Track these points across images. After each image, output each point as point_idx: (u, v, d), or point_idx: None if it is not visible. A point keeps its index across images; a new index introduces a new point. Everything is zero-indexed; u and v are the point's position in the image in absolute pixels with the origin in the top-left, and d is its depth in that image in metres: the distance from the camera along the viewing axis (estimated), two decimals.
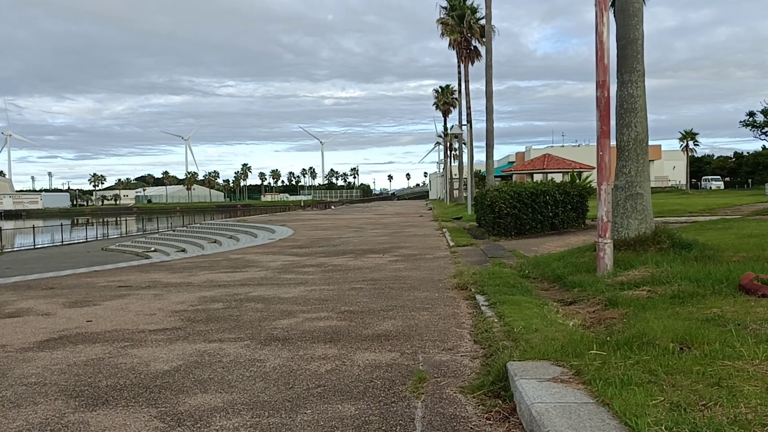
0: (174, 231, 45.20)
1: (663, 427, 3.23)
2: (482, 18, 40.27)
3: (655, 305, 7.06)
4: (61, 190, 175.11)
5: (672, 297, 7.38)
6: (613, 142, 10.22)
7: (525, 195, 20.39)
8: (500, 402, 4.56)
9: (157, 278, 12.53)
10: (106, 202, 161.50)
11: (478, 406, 4.59)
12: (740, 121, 24.84)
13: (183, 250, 30.60)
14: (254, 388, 5.16)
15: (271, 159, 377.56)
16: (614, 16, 11.31)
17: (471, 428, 4.19)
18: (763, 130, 24.18)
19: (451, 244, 18.43)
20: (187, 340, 6.94)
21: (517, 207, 20.05)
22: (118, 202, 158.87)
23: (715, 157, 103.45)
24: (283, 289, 10.62)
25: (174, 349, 6.57)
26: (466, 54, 46.85)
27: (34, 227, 45.71)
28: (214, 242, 31.51)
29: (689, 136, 67.93)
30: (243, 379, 5.42)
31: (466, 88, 48.42)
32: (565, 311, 7.69)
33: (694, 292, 7.47)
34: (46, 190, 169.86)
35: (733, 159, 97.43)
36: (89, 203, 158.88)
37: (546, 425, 3.50)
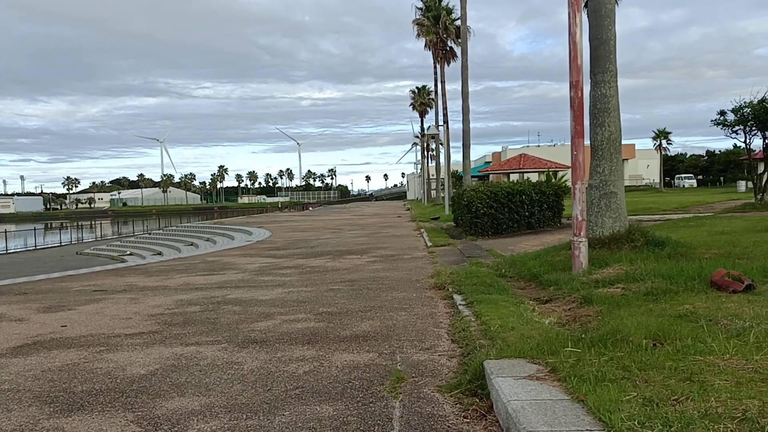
0: (150, 234, 44.80)
1: (636, 422, 3.28)
2: (458, 19, 40.44)
3: (629, 302, 7.15)
4: (34, 194, 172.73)
5: (646, 294, 7.49)
6: (587, 142, 10.35)
7: (501, 194, 20.52)
8: (477, 400, 4.60)
9: (133, 282, 12.42)
10: (80, 205, 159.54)
11: (456, 404, 4.63)
12: (711, 120, 25.17)
13: (159, 253, 30.33)
14: (232, 390, 5.15)
15: (248, 161, 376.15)
16: (587, 16, 11.44)
17: (448, 427, 4.22)
18: (734, 129, 24.53)
19: (429, 244, 18.50)
20: (163, 344, 6.89)
21: (494, 207, 20.17)
22: (92, 206, 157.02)
23: (688, 156, 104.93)
24: (260, 291, 10.59)
25: (150, 353, 6.52)
26: (442, 55, 47.01)
27: (6, 232, 45.00)
28: (191, 245, 31.28)
29: (662, 135, 68.84)
30: (220, 382, 5.41)
31: (443, 88, 48.61)
32: (541, 309, 7.76)
33: (667, 288, 7.59)
34: (18, 194, 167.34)
35: (706, 157, 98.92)
36: (63, 207, 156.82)
37: (522, 422, 3.54)
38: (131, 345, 6.89)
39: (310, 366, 5.82)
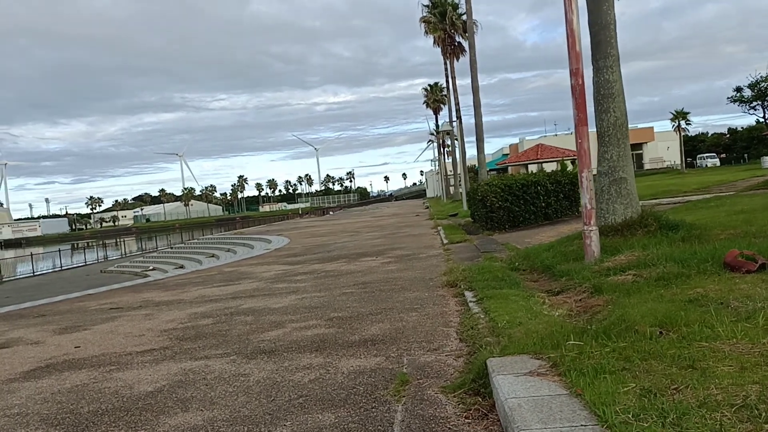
0: (172, 248, 45.19)
1: (630, 415, 3.20)
2: (464, 14, 40.23)
3: (640, 289, 7.02)
4: (59, 216, 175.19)
5: (657, 279, 7.35)
6: (592, 129, 10.20)
7: (516, 187, 20.36)
8: (480, 399, 4.53)
9: (150, 297, 12.50)
10: (104, 224, 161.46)
11: (458, 405, 4.56)
12: (728, 97, 24.94)
13: (181, 267, 30.55)
14: (236, 403, 5.13)
15: (267, 169, 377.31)
16: (586, 2, 11.28)
17: (449, 428, 4.16)
18: (752, 105, 24.12)
19: (445, 241, 18.40)
20: (173, 359, 6.91)
21: (509, 199, 20.02)
22: (116, 224, 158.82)
23: (709, 135, 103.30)
24: (273, 299, 10.59)
25: (159, 369, 6.53)
26: (451, 50, 46.87)
27: (32, 255, 45.69)
28: (212, 256, 31.48)
29: (680, 115, 67.79)
30: (225, 395, 5.39)
31: (453, 84, 48.46)
32: (552, 301, 7.66)
33: (679, 273, 7.44)
34: (44, 217, 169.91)
35: (728, 135, 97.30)
36: (88, 227, 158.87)
37: (516, 420, 3.47)
38: (141, 362, 6.91)
39: (316, 374, 5.78)
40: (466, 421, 4.26)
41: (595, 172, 10.77)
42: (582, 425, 3.27)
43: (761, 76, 22.99)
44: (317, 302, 9.83)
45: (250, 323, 8.61)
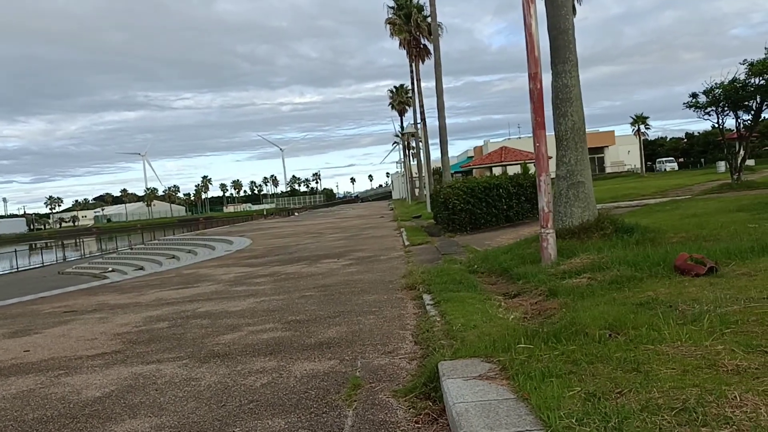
0: (132, 249, 44.44)
1: (574, 420, 3.22)
2: (429, 16, 40.37)
3: (593, 292, 7.12)
4: (16, 216, 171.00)
5: (611, 283, 7.46)
6: (550, 133, 10.32)
7: (478, 189, 20.50)
8: (430, 404, 4.53)
9: (105, 300, 12.26)
10: (64, 224, 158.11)
11: (409, 409, 4.56)
12: (684, 103, 25.26)
13: (141, 268, 30.06)
14: (185, 409, 5.05)
15: (232, 169, 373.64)
16: (545, 7, 11.41)
17: None
18: (706, 111, 24.62)
19: (407, 243, 18.43)
20: (124, 364, 6.77)
21: (471, 202, 20.15)
22: (76, 224, 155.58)
23: (668, 139, 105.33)
24: (231, 302, 10.47)
25: (109, 374, 6.40)
26: (416, 53, 46.95)
27: None
28: (173, 258, 31.03)
29: (640, 120, 69.07)
30: (175, 400, 5.30)
31: (418, 86, 48.61)
32: (508, 304, 7.71)
33: (632, 276, 7.56)
34: (0, 217, 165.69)
35: (685, 140, 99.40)
36: (46, 227, 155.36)
37: (462, 425, 3.47)
38: (91, 367, 6.77)
39: (269, 378, 5.73)
40: (416, 425, 4.25)
41: (554, 175, 10.90)
42: (527, 430, 3.28)
43: (715, 83, 23.52)
44: (275, 305, 9.75)
45: (206, 327, 8.49)
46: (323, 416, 4.59)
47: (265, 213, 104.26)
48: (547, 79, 10.82)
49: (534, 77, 9.63)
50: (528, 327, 5.62)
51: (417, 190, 67.97)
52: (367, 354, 6.26)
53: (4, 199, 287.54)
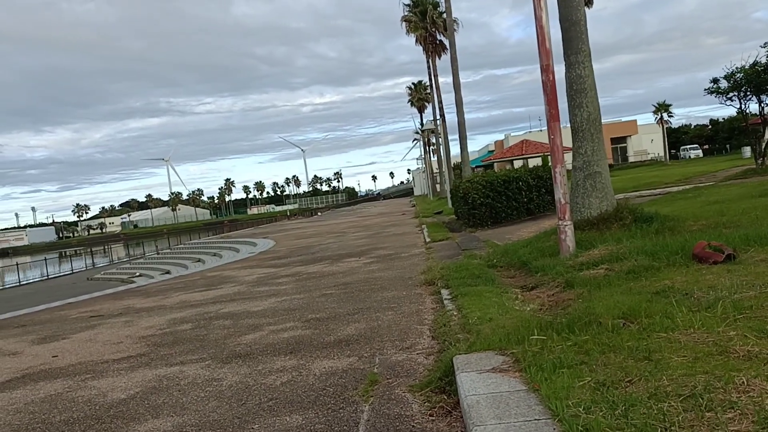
0: (159, 254, 45.03)
1: (581, 408, 3.26)
2: (445, 12, 40.30)
3: (610, 283, 7.11)
4: (45, 224, 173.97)
5: (628, 273, 7.43)
6: (565, 125, 10.31)
7: (497, 183, 20.45)
8: (445, 397, 4.58)
9: (131, 304, 12.48)
10: (92, 231, 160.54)
11: (424, 403, 4.62)
12: (705, 89, 24.91)
13: (167, 272, 30.45)
14: (206, 408, 5.16)
15: (254, 171, 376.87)
16: None
17: (413, 427, 4.21)
18: (728, 96, 24.26)
19: (428, 239, 18.46)
20: (149, 366, 6.92)
21: (491, 196, 20.11)
22: (104, 231, 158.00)
23: (692, 126, 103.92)
24: (253, 302, 10.61)
25: (134, 376, 6.55)
26: (432, 49, 46.90)
27: (17, 264, 45.38)
28: (198, 261, 31.40)
29: (663, 108, 68.27)
30: (197, 400, 5.42)
31: (436, 82, 48.51)
32: (525, 297, 7.73)
33: (649, 265, 7.53)
34: (30, 226, 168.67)
35: (710, 126, 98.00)
36: (75, 234, 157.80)
37: (473, 417, 3.53)
38: (117, 370, 6.92)
39: (289, 376, 5.82)
40: (431, 419, 4.31)
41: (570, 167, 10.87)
42: (535, 419, 3.33)
43: (737, 68, 23.13)
44: (296, 304, 9.86)
45: (228, 327, 8.63)
46: (340, 412, 4.67)
47: (288, 214, 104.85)
48: (559, 71, 10.81)
49: (546, 69, 9.62)
50: (542, 319, 5.65)
51: (438, 186, 67.92)
52: (385, 350, 6.33)
53: (33, 208, 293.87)
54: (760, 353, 3.73)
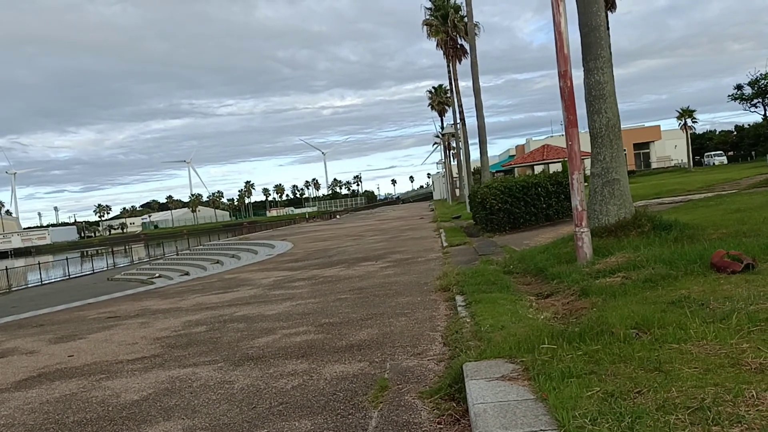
0: (178, 255, 45.39)
1: (588, 419, 3.23)
2: (466, 16, 40.24)
3: (626, 291, 7.04)
4: (68, 224, 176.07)
5: (645, 281, 7.36)
6: (585, 130, 10.23)
7: (516, 189, 20.37)
8: (454, 404, 4.56)
9: (148, 305, 12.59)
10: (113, 231, 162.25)
11: (433, 410, 4.60)
12: (729, 95, 24.69)
13: (186, 274, 30.67)
14: (217, 411, 5.19)
15: (274, 174, 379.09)
16: (576, 4, 11.30)
17: None
18: (753, 102, 24.00)
19: (445, 244, 18.43)
20: (162, 367, 6.97)
21: (509, 201, 20.03)
22: (125, 231, 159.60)
23: (717, 133, 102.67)
24: (268, 306, 10.65)
25: (148, 377, 6.60)
26: (453, 53, 46.85)
27: (39, 263, 45.96)
28: (217, 263, 31.59)
29: (687, 113, 67.51)
30: (208, 402, 5.45)
31: (456, 86, 48.47)
32: (539, 305, 7.69)
33: (666, 274, 7.45)
34: (53, 225, 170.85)
35: (735, 133, 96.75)
36: (96, 234, 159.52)
37: (479, 425, 3.51)
38: (131, 371, 6.98)
39: (300, 380, 5.83)
40: (438, 426, 4.30)
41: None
42: (541, 429, 3.30)
43: (761, 74, 22.92)
44: (311, 308, 9.88)
45: (242, 330, 8.67)
46: (349, 417, 4.67)
47: (307, 216, 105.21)
48: (578, 76, 10.75)
49: (564, 75, 9.56)
50: (554, 327, 5.61)
51: (457, 191, 67.75)
52: (396, 356, 6.32)
53: (56, 208, 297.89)
54: None
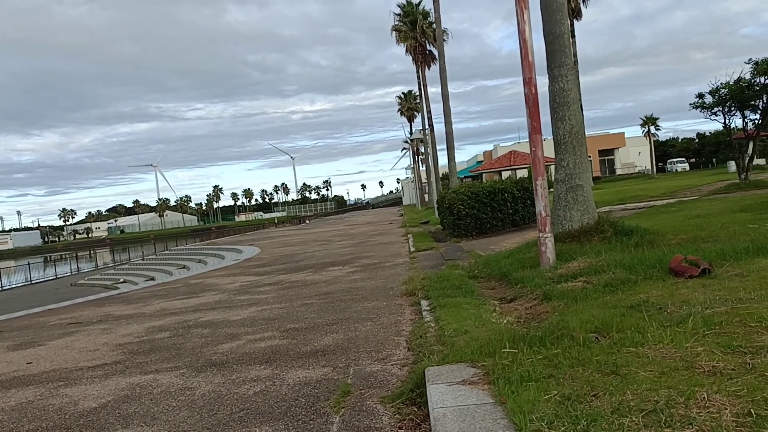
0: (144, 260, 44.77)
1: (545, 423, 3.26)
2: (435, 22, 40.48)
3: (587, 296, 7.14)
4: (31, 228, 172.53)
5: (605, 286, 7.47)
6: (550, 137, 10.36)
7: (483, 194, 20.52)
8: (415, 409, 4.58)
9: (111, 311, 12.39)
10: (78, 236, 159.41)
11: (395, 415, 4.60)
12: (690, 104, 25.13)
13: (152, 279, 30.29)
14: (177, 418, 5.12)
15: (243, 178, 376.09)
16: (540, 12, 11.45)
17: None
18: (713, 111, 24.47)
19: (412, 249, 18.47)
20: (123, 374, 6.87)
21: (476, 207, 20.17)
22: (90, 236, 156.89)
23: (679, 140, 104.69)
24: (234, 311, 10.56)
25: (108, 384, 6.49)
26: (422, 59, 47.13)
27: (0, 269, 44.92)
28: (183, 268, 31.25)
29: (650, 121, 68.66)
30: (168, 409, 5.38)
31: (425, 92, 48.72)
32: (503, 309, 7.75)
33: (626, 279, 7.57)
34: (15, 230, 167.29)
35: (697, 140, 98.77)
36: (61, 239, 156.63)
37: (438, 430, 3.52)
38: (91, 378, 6.86)
39: (262, 386, 5.79)
40: (399, 431, 4.30)
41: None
42: None
43: (721, 83, 23.40)
44: (276, 314, 9.83)
45: (206, 336, 8.58)
46: (310, 423, 4.65)
47: (276, 221, 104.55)
48: (543, 83, 10.87)
49: (528, 82, 9.68)
50: (516, 332, 5.66)
51: (426, 196, 68.02)
52: (360, 361, 6.32)
53: (19, 212, 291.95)
54: (724, 369, 3.75)
